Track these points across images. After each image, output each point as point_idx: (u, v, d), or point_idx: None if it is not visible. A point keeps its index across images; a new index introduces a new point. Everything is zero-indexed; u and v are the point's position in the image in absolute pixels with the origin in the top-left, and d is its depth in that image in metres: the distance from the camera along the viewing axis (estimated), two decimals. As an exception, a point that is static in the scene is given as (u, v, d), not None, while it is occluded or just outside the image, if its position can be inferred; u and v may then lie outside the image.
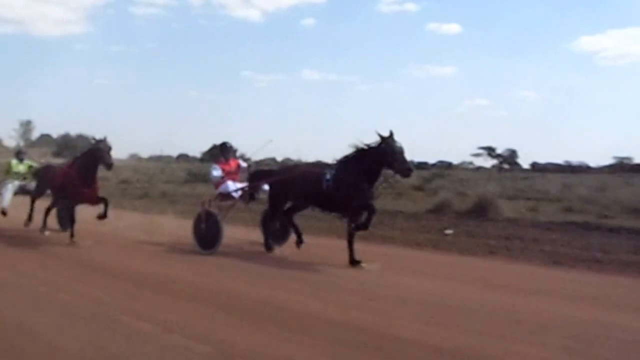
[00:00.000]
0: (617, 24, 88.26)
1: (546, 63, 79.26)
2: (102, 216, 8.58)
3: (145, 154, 64.40)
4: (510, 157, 64.26)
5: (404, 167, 7.00)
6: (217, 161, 8.80)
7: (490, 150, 65.02)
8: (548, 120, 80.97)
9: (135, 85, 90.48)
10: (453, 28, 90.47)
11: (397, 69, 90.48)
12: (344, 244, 7.23)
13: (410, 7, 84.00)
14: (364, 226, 7.07)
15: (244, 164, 8.90)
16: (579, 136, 79.67)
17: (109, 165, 8.37)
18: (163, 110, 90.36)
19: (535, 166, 61.26)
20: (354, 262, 7.02)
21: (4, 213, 9.88)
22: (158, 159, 64.04)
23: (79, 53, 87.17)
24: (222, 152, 8.83)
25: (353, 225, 7.10)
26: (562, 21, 76.40)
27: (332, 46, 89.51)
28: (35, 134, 76.72)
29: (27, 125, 72.06)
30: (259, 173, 8.53)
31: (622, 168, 53.34)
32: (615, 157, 60.90)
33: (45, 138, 74.36)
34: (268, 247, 7.97)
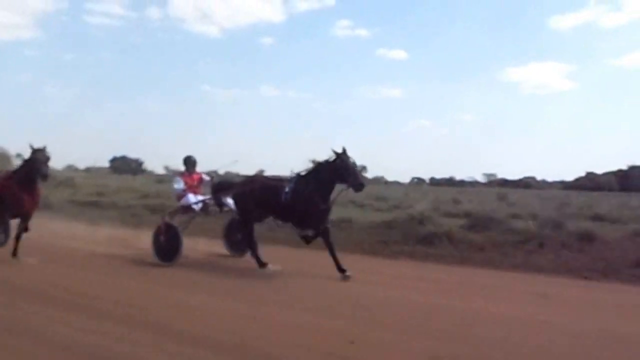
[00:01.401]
0: (539, 57, 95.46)
1: (479, 89, 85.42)
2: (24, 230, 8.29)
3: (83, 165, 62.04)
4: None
5: (357, 182, 7.40)
6: (180, 174, 8.92)
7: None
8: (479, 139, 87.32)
9: (88, 95, 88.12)
10: (400, 54, 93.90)
11: (351, 89, 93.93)
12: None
13: (362, 32, 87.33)
14: (311, 239, 7.63)
15: (206, 177, 9.04)
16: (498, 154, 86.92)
17: (44, 177, 8.07)
18: (118, 122, 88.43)
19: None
20: (341, 270, 7.34)
21: None
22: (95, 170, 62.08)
23: (28, 59, 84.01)
24: (185, 165, 8.93)
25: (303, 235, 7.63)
26: (492, 52, 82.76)
27: (290, 65, 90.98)
28: None
29: None
30: (221, 185, 8.67)
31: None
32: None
33: None
34: (261, 264, 7.81)
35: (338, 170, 7.45)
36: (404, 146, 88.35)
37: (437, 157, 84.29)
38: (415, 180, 71.71)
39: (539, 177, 70.88)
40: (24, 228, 8.31)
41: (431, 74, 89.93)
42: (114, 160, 69.60)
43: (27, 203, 8.19)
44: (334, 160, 7.52)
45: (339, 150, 7.50)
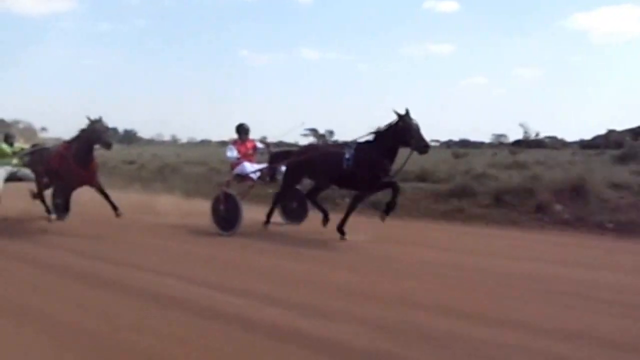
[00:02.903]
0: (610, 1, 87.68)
1: (542, 40, 78.97)
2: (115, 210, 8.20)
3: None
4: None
5: (421, 144, 7.11)
6: (232, 142, 8.75)
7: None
8: (544, 96, 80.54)
9: (125, 66, 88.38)
10: (450, 5, 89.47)
11: (396, 47, 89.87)
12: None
13: None
14: (392, 204, 7.24)
15: (260, 145, 8.89)
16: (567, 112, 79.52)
17: (108, 145, 8.04)
18: (155, 92, 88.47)
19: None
20: (341, 231, 7.40)
21: None
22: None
23: (64, 32, 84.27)
24: (238, 132, 8.75)
25: (384, 209, 7.27)
26: None
27: (331, 24, 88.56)
28: None
29: None
30: (279, 154, 8.54)
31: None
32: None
33: None
34: (267, 221, 8.21)
35: (401, 133, 7.14)
36: (456, 106, 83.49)
37: (490, 117, 79.23)
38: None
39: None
40: (101, 191, 8.27)
41: (486, 26, 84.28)
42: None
43: (84, 173, 8.14)
44: (396, 123, 7.23)
45: (402, 112, 7.18)
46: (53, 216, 8.92)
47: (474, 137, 61.24)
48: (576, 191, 9.33)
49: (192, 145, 53.06)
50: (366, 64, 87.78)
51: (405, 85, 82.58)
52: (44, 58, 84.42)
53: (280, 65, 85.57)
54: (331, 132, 58.72)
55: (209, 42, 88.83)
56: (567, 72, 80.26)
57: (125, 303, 4.61)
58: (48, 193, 9.31)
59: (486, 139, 61.91)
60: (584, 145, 49.35)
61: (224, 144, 9.19)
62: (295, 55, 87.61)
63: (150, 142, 57.30)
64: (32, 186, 9.19)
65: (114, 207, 8.18)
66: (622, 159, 17.68)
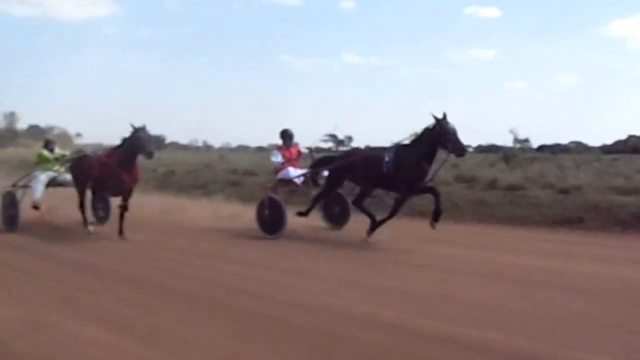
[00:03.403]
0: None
1: (580, 46, 77.07)
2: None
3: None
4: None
5: (458, 147, 7.28)
6: (277, 147, 9.01)
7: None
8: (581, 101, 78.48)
9: (164, 71, 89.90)
10: (492, 11, 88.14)
11: (438, 53, 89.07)
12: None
13: None
14: (438, 211, 7.36)
15: (304, 150, 9.15)
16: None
17: (150, 154, 8.12)
18: (196, 98, 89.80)
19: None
20: (372, 230, 7.66)
21: (36, 207, 9.17)
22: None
23: (105, 37, 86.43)
24: (282, 138, 9.01)
25: (432, 217, 7.37)
26: (595, 3, 73.83)
27: (372, 30, 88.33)
28: (22, 125, 76.46)
29: (10, 117, 72.87)
30: (323, 160, 8.79)
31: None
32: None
33: (33, 129, 74.26)
34: (302, 213, 8.40)
35: (438, 137, 7.31)
36: (497, 110, 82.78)
37: (530, 121, 78.07)
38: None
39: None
40: (124, 207, 8.35)
41: (527, 32, 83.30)
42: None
43: (127, 181, 8.25)
44: (434, 127, 7.37)
45: (439, 116, 7.34)
46: (91, 228, 8.78)
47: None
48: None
49: (230, 150, 53.53)
50: (408, 69, 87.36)
51: (446, 90, 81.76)
52: (82, 63, 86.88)
53: (321, 70, 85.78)
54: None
55: (249, 48, 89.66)
56: (605, 78, 78.10)
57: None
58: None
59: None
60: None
61: (261, 149, 9.45)
62: (336, 60, 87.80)
63: (184, 147, 57.73)
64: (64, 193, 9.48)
65: (120, 231, 8.26)
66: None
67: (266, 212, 8.38)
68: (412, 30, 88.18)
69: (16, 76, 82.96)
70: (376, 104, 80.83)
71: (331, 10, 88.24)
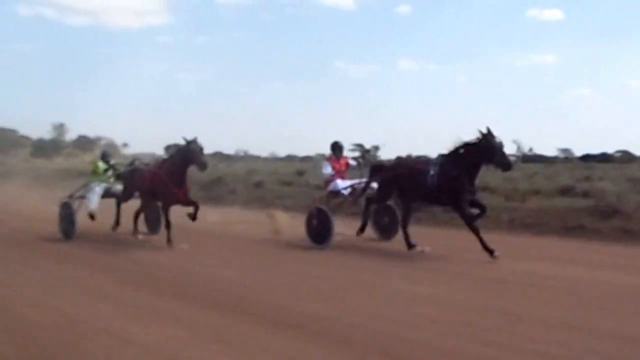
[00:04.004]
0: None
1: None
2: (193, 217, 8.67)
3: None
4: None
5: (504, 162, 7.37)
6: (328, 159, 9.29)
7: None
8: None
9: (220, 78, 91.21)
10: (554, 14, 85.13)
11: (497, 57, 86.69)
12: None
13: None
14: (478, 216, 7.57)
15: (353, 162, 9.40)
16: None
17: (203, 165, 8.33)
18: (251, 105, 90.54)
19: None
20: (487, 249, 7.26)
21: (92, 217, 9.60)
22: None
23: (161, 45, 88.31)
24: (333, 150, 9.29)
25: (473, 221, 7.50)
26: None
27: (429, 35, 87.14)
28: (71, 136, 78.86)
29: (59, 128, 75.75)
30: (377, 167, 9.01)
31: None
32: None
33: (82, 139, 76.44)
34: (410, 245, 8.04)
35: (483, 151, 7.39)
36: (559, 118, 79.64)
37: (595, 129, 74.48)
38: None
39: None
40: (194, 213, 8.68)
41: (592, 35, 79.98)
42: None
43: (179, 193, 8.52)
44: (479, 141, 7.44)
45: (484, 130, 7.43)
46: (140, 236, 9.39)
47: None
48: None
49: (281, 160, 53.28)
50: (466, 74, 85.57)
51: (506, 95, 79.50)
52: (134, 73, 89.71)
53: (376, 76, 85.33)
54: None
55: (304, 54, 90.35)
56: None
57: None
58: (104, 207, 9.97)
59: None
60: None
61: (307, 158, 9.64)
62: (392, 66, 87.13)
63: (228, 157, 57.78)
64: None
65: (194, 217, 8.63)
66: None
67: (314, 222, 8.66)
68: (471, 34, 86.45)
69: (68, 86, 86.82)
70: (432, 110, 79.71)
71: (387, 16, 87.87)
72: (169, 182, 8.45)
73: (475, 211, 7.54)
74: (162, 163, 9.04)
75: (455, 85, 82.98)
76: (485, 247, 7.25)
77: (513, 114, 68.92)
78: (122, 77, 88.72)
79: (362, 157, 10.10)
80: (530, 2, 78.68)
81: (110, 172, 10.06)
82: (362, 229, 8.86)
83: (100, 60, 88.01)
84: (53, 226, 9.84)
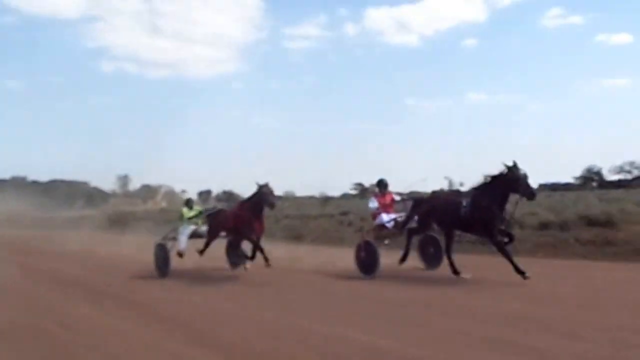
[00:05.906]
0: None
1: None
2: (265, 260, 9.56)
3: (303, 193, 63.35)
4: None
5: (528, 192, 8.25)
6: (374, 194, 10.40)
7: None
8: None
9: (295, 121, 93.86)
10: (624, 38, 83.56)
11: (567, 84, 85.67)
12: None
13: (576, 19, 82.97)
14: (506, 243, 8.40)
15: (397, 198, 10.42)
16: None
17: (272, 205, 9.74)
18: (326, 146, 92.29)
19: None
20: (518, 271, 8.03)
21: (180, 255, 10.79)
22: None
23: (234, 92, 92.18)
24: (378, 186, 10.42)
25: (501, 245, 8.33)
26: None
27: (497, 66, 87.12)
28: (135, 185, 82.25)
29: (124, 179, 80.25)
30: (418, 201, 9.92)
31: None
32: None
33: (145, 189, 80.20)
34: (455, 272, 8.92)
35: (510, 182, 8.24)
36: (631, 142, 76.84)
37: None
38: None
39: None
40: (258, 249, 9.74)
41: None
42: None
43: (258, 229, 9.79)
44: (506, 174, 8.28)
45: (510, 164, 8.35)
46: (248, 264, 10.49)
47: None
48: None
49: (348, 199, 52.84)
50: (536, 104, 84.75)
51: (579, 121, 77.68)
52: (204, 119, 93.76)
53: (445, 110, 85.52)
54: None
55: (374, 92, 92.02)
56: None
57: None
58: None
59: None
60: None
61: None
62: (461, 100, 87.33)
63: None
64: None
65: (266, 259, 9.57)
66: None
67: (362, 254, 9.58)
68: (539, 62, 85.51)
69: (139, 136, 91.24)
70: (505, 141, 78.55)
71: (453, 50, 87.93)
72: (252, 219, 9.69)
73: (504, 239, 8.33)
74: (241, 204, 10.35)
75: (528, 115, 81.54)
76: (518, 270, 7.98)
77: (590, 139, 67.06)
78: (194, 124, 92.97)
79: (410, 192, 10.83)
80: (598, 26, 76.93)
81: (200, 215, 11.33)
82: (403, 259, 9.71)
83: (174, 110, 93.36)
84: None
